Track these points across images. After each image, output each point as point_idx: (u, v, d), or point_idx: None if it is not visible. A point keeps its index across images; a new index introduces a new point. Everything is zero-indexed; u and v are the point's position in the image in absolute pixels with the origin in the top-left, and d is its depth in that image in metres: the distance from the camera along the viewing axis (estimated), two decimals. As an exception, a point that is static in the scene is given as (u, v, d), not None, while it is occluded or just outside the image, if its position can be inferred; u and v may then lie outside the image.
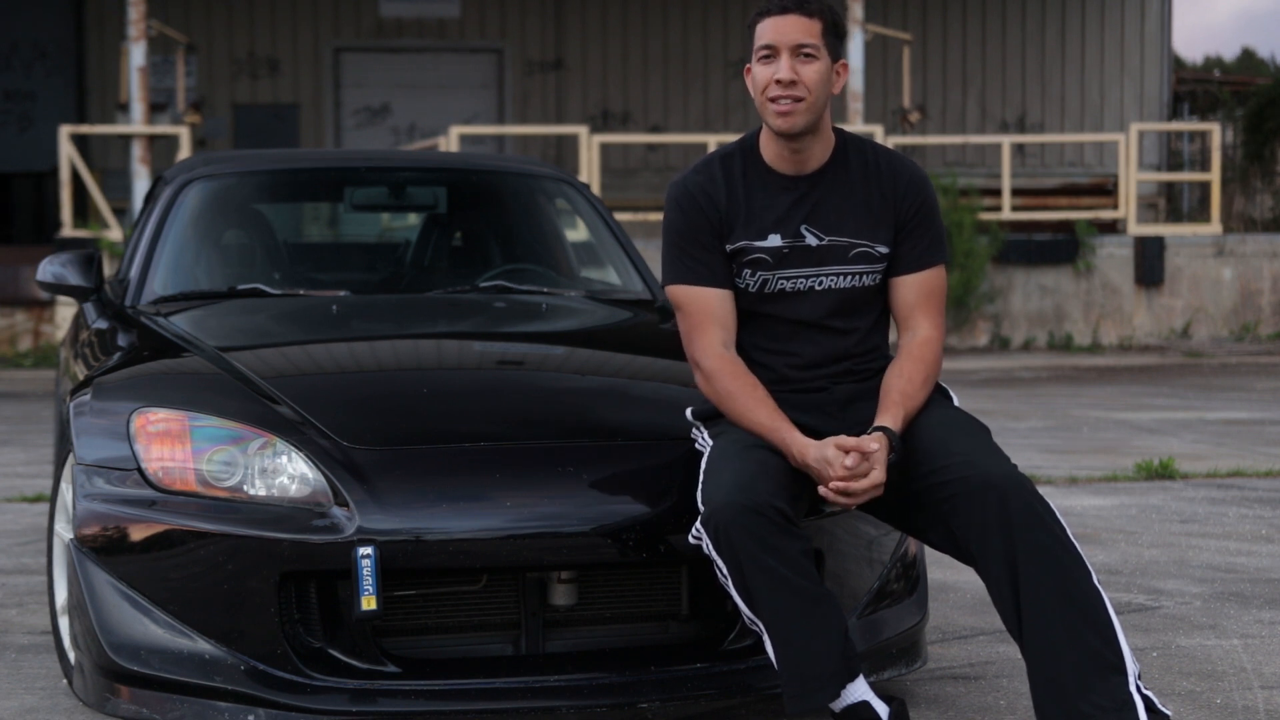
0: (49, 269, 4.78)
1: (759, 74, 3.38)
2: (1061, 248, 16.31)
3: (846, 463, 3.21)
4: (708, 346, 3.41)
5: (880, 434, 3.26)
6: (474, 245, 5.50)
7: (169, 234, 4.94)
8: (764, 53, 3.36)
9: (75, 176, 15.17)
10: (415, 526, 3.31)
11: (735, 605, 3.25)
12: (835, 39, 3.39)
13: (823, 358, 3.46)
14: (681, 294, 3.45)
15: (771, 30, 3.35)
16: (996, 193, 16.90)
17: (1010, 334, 16.35)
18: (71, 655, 3.63)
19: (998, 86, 21.25)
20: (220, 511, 3.36)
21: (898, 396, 3.35)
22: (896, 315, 3.52)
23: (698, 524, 3.22)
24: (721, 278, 3.43)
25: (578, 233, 5.77)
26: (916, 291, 3.49)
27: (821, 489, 3.25)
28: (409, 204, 5.75)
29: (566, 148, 19.46)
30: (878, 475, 3.21)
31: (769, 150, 3.47)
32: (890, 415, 3.31)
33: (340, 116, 20.54)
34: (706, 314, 3.42)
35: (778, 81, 3.34)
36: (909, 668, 3.77)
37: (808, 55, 3.35)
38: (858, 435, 3.37)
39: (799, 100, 3.34)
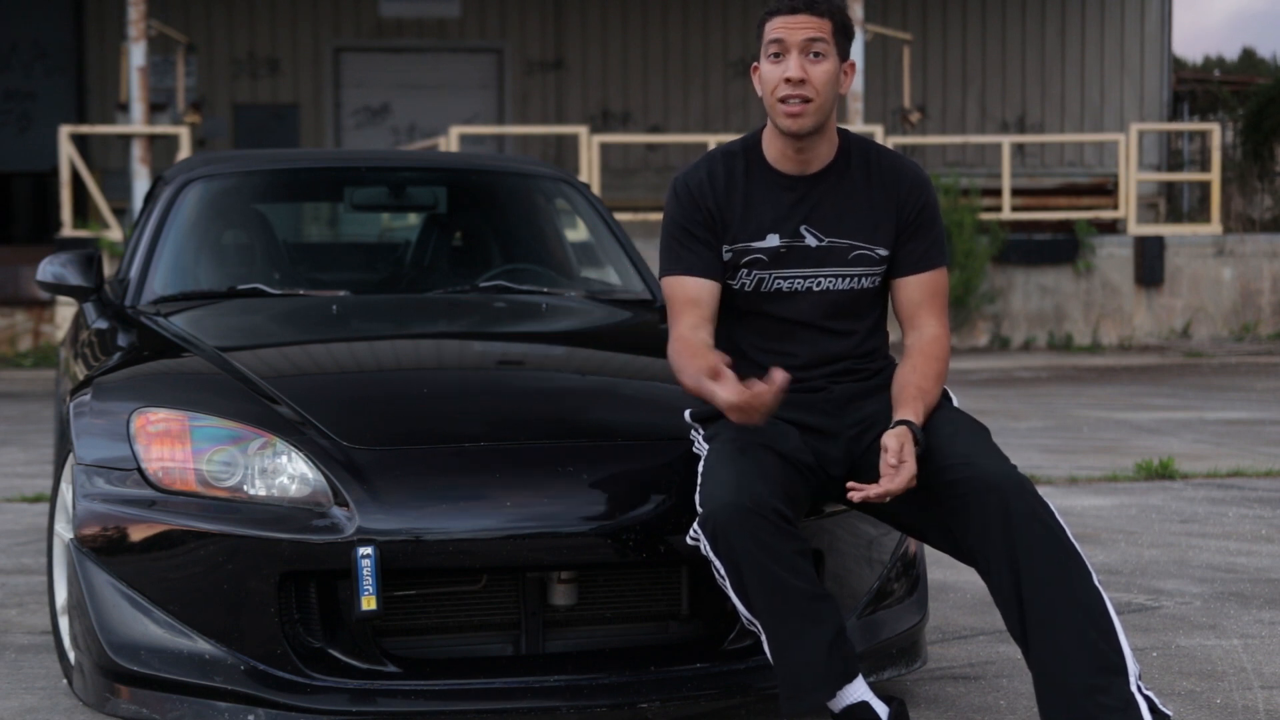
0: (49, 269, 4.77)
1: (768, 73, 3.38)
2: (1061, 248, 16.31)
3: (890, 460, 3.19)
4: (677, 327, 3.42)
5: (904, 428, 3.25)
6: (474, 245, 5.50)
7: (169, 234, 4.94)
8: (773, 49, 3.36)
9: (75, 176, 15.17)
10: (415, 526, 3.31)
11: (735, 605, 3.25)
12: (844, 39, 3.39)
13: (820, 358, 3.46)
14: (669, 284, 3.47)
15: (781, 28, 3.35)
16: (996, 193, 16.90)
17: (1010, 334, 16.35)
18: (71, 655, 3.63)
19: (998, 86, 21.25)
20: (220, 511, 3.36)
21: (915, 391, 3.34)
22: (901, 315, 3.52)
23: (695, 525, 3.22)
24: (707, 268, 3.43)
25: (578, 232, 5.76)
26: (921, 291, 3.48)
27: (852, 493, 3.22)
28: (409, 204, 5.74)
29: (566, 148, 19.46)
30: (910, 468, 3.19)
31: (772, 149, 3.46)
32: (910, 409, 3.30)
33: (340, 116, 20.54)
34: (685, 299, 3.43)
35: (787, 80, 3.33)
36: (909, 668, 3.77)
37: (817, 54, 3.34)
38: (857, 434, 3.38)
39: (808, 101, 3.34)
